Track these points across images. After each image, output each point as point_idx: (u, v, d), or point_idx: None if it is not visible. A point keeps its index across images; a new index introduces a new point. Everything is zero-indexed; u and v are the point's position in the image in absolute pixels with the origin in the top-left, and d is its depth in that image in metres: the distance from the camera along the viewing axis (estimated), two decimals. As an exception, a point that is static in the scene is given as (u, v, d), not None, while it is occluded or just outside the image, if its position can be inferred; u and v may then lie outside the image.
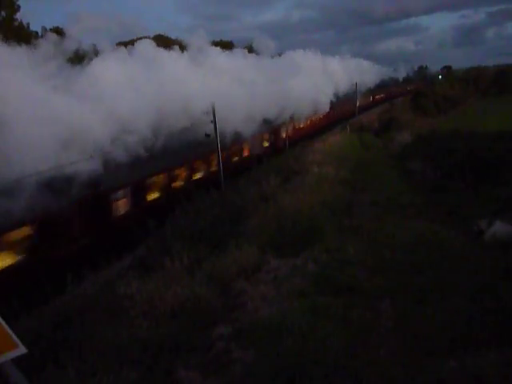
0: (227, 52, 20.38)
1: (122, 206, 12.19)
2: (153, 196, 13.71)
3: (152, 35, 39.08)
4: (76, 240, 9.97)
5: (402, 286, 6.95)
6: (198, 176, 16.48)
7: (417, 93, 51.99)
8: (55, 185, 8.84)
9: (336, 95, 31.93)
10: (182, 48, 17.27)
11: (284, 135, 25.59)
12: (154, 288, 7.02)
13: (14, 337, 2.92)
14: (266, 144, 23.50)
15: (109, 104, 10.75)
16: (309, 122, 31.14)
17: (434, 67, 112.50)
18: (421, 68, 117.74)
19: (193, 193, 13.88)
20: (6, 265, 8.53)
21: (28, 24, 24.76)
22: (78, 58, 13.60)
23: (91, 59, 12.50)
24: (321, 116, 33.59)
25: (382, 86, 57.47)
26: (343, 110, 40.93)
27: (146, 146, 12.05)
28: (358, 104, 42.43)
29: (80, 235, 10.09)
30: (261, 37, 24.13)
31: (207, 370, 5.07)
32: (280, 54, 26.78)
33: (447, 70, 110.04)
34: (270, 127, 22.61)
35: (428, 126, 32.26)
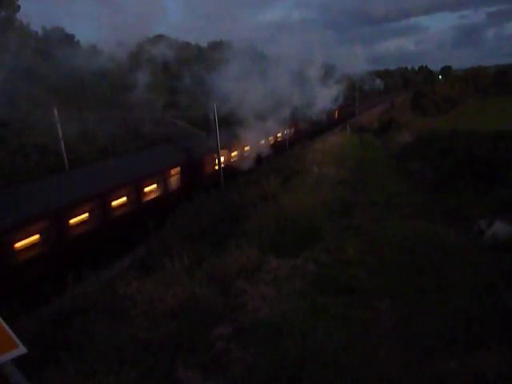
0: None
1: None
2: None
3: (152, 35, 39.06)
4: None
5: (401, 286, 6.96)
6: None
7: (417, 93, 51.94)
8: None
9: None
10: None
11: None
12: (154, 288, 7.02)
13: (14, 337, 2.92)
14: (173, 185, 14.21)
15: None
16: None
17: (434, 67, 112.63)
18: (420, 68, 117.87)
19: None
20: None
21: (28, 24, 24.75)
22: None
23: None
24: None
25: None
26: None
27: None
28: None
29: None
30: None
31: (207, 370, 5.07)
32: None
33: (447, 69, 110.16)
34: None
35: (428, 126, 32.23)
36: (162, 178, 13.53)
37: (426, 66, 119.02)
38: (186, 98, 24.41)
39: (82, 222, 10.31)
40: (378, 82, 71.26)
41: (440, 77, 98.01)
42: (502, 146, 17.24)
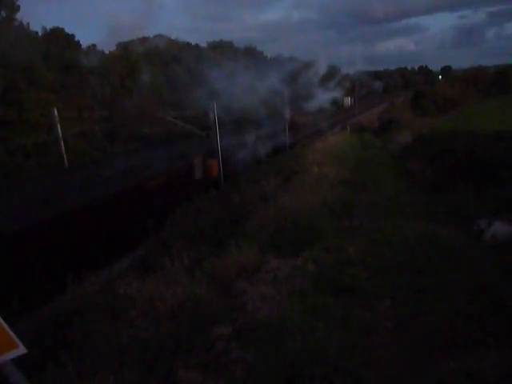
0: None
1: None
2: None
3: (152, 35, 39.09)
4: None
5: (402, 286, 6.95)
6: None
7: (417, 93, 51.88)
8: None
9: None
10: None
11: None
12: (154, 288, 7.02)
13: (14, 337, 2.92)
14: None
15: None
16: None
17: (434, 67, 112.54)
18: (420, 68, 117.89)
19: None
20: None
21: (28, 24, 24.77)
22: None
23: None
24: None
25: None
26: None
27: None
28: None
29: None
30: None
31: (207, 370, 5.07)
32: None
33: (447, 69, 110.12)
34: None
35: (428, 126, 32.24)
36: None
37: (426, 66, 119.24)
38: (185, 98, 24.46)
39: None
40: (377, 85, 70.75)
41: (440, 77, 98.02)
42: (502, 146, 17.24)
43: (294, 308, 6.01)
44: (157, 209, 11.50)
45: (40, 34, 26.33)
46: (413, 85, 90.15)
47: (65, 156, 15.04)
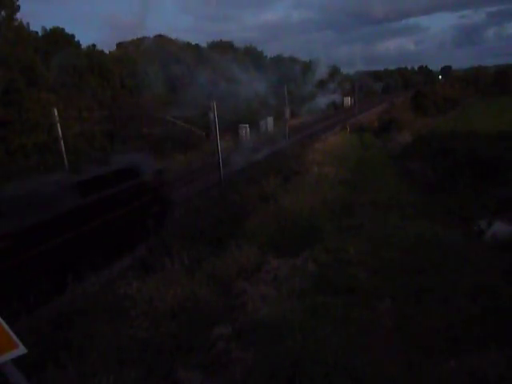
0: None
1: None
2: None
3: (152, 35, 39.07)
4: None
5: (401, 286, 6.95)
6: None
7: (417, 93, 51.88)
8: None
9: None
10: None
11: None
12: (154, 288, 7.02)
13: (14, 337, 2.92)
14: None
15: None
16: None
17: (434, 67, 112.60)
18: (420, 68, 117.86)
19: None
20: None
21: (28, 24, 24.75)
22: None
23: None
24: None
25: None
26: None
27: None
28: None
29: None
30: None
31: (207, 370, 5.07)
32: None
33: (447, 69, 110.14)
34: None
35: (428, 126, 32.26)
36: None
37: (426, 66, 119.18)
38: (185, 98, 24.47)
39: None
40: (377, 85, 70.80)
41: (440, 77, 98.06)
42: (501, 146, 17.26)
43: (294, 308, 6.01)
44: None
45: (40, 34, 26.33)
46: (413, 85, 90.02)
47: (65, 156, 15.03)
